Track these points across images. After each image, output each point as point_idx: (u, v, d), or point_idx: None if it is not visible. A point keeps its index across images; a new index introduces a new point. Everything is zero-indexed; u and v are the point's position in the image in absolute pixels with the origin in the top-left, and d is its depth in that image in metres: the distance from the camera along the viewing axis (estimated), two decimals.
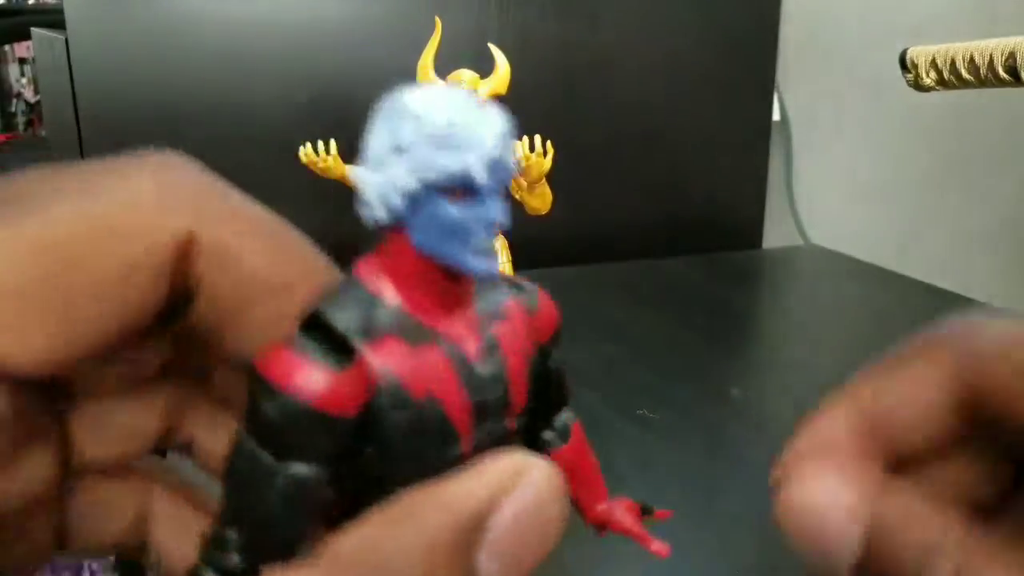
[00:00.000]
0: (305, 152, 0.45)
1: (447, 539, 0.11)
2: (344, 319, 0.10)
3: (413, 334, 0.10)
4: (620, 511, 0.15)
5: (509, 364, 0.11)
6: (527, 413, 0.12)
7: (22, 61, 1.88)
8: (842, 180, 0.97)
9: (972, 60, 0.53)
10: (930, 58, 0.55)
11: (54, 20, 0.74)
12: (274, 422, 0.10)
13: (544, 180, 0.45)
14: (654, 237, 0.75)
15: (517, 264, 0.48)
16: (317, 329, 0.10)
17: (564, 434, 0.14)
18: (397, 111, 0.10)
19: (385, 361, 0.10)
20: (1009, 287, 0.79)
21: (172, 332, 0.14)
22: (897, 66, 0.56)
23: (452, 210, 0.10)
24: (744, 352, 0.66)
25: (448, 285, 0.11)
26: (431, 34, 0.47)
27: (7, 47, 1.85)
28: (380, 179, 0.10)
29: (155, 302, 0.12)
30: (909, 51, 0.55)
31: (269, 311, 0.13)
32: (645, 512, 0.15)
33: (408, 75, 0.47)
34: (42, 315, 0.12)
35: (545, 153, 0.43)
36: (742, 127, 0.91)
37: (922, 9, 0.84)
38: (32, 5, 1.12)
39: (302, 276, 0.13)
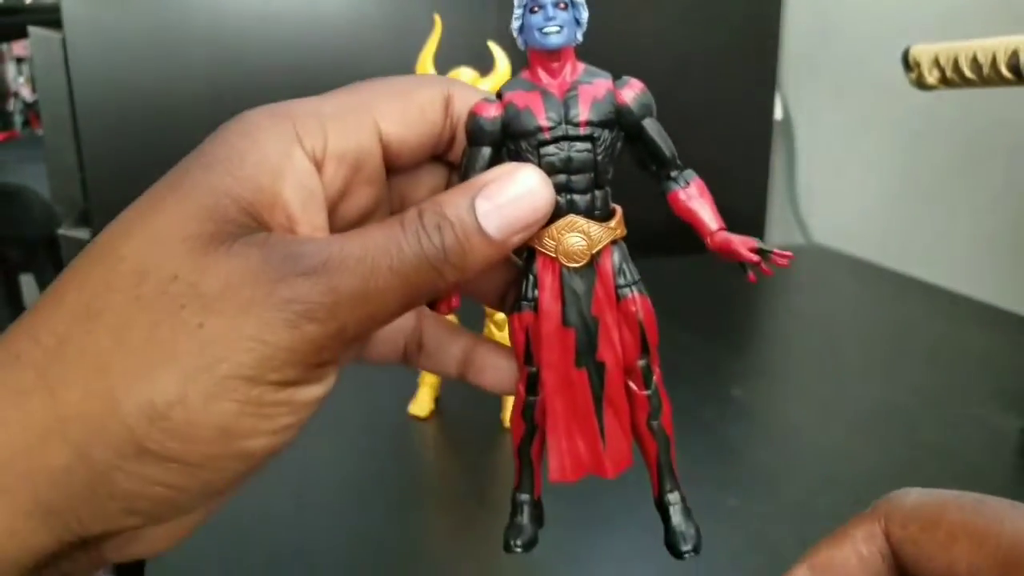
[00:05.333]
0: None
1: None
2: (505, 87, 0.22)
3: (527, 87, 0.21)
4: (739, 242, 0.22)
5: (580, 101, 0.21)
6: (598, 132, 0.21)
7: (19, 60, 1.88)
8: (844, 179, 0.96)
9: (975, 59, 0.53)
10: (933, 57, 0.55)
11: (51, 19, 0.74)
12: (471, 128, 0.22)
13: None
14: (655, 236, 0.75)
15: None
16: (496, 94, 0.22)
17: (684, 184, 0.22)
18: None
19: (510, 97, 0.21)
20: (1012, 287, 0.78)
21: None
22: (900, 65, 0.55)
23: (531, 19, 0.21)
24: (745, 352, 0.66)
25: (546, 62, 0.21)
26: (430, 31, 0.47)
27: (4, 46, 1.85)
28: (512, 24, 0.21)
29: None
30: (912, 49, 0.55)
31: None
32: (761, 252, 0.21)
33: (407, 72, 0.47)
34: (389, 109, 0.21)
35: None
36: (744, 126, 0.91)
37: (925, 8, 0.84)
38: (30, 4, 1.11)
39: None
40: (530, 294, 0.22)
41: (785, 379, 0.60)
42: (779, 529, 0.40)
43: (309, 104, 0.21)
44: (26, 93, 1.85)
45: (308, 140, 0.20)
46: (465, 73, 0.45)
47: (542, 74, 0.21)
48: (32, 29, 0.74)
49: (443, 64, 0.46)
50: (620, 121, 0.22)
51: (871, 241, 0.91)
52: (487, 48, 0.47)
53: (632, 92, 0.22)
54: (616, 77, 0.22)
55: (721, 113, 0.88)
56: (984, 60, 0.51)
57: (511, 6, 0.21)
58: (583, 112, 0.21)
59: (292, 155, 0.20)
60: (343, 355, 0.20)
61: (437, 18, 0.46)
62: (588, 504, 0.41)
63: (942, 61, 0.54)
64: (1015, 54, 0.49)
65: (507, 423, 0.50)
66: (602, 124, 0.21)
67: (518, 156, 0.21)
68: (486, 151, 0.21)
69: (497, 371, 0.24)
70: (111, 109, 0.73)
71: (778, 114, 0.94)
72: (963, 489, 0.20)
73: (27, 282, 1.44)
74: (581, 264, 0.21)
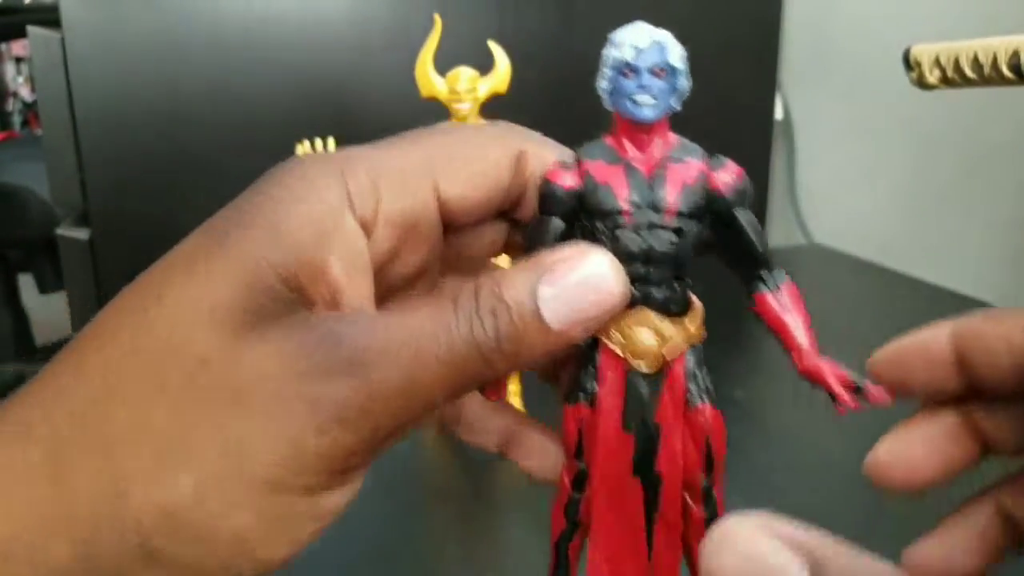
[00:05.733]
0: (303, 149, 0.45)
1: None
2: (580, 151, 0.20)
3: (609, 157, 0.19)
4: (830, 371, 0.19)
5: (667, 183, 0.19)
6: (686, 223, 0.19)
7: (18, 60, 1.88)
8: (845, 179, 0.96)
9: (976, 59, 0.52)
10: (934, 56, 0.55)
11: (51, 18, 0.74)
12: (543, 195, 0.20)
13: None
14: None
15: None
16: (574, 159, 0.20)
17: (774, 287, 0.20)
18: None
19: (590, 167, 0.19)
20: (1013, 287, 0.78)
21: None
22: (900, 65, 0.55)
23: (623, 83, 0.19)
24: (747, 353, 0.66)
25: (634, 132, 0.19)
26: (430, 32, 0.47)
27: (3, 46, 1.84)
28: (599, 81, 0.20)
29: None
30: (912, 49, 0.55)
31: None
32: (856, 390, 0.19)
33: (407, 72, 0.47)
34: (462, 164, 0.20)
35: None
36: (744, 126, 0.91)
37: (926, 7, 0.84)
38: (29, 4, 1.11)
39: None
40: (588, 386, 0.20)
41: (788, 381, 0.60)
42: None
43: (364, 159, 0.19)
44: (25, 93, 1.85)
45: (359, 202, 0.18)
46: (465, 73, 0.45)
47: (628, 145, 0.19)
48: (31, 29, 0.74)
49: (443, 64, 0.46)
50: (711, 208, 0.19)
51: (872, 241, 0.91)
52: (487, 48, 0.47)
53: (728, 177, 0.19)
54: (710, 154, 0.20)
55: (721, 113, 0.88)
56: (985, 60, 0.51)
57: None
58: (671, 199, 0.19)
59: (341, 219, 0.18)
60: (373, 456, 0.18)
61: (437, 18, 0.46)
62: None
63: (943, 61, 0.54)
64: (1016, 54, 0.49)
65: None
66: (691, 214, 0.19)
67: (591, 235, 0.19)
68: (557, 223, 0.20)
69: (543, 456, 0.22)
70: (110, 109, 0.73)
71: (778, 114, 0.94)
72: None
73: (26, 282, 1.44)
74: (650, 366, 0.19)
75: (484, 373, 0.18)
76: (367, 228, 0.19)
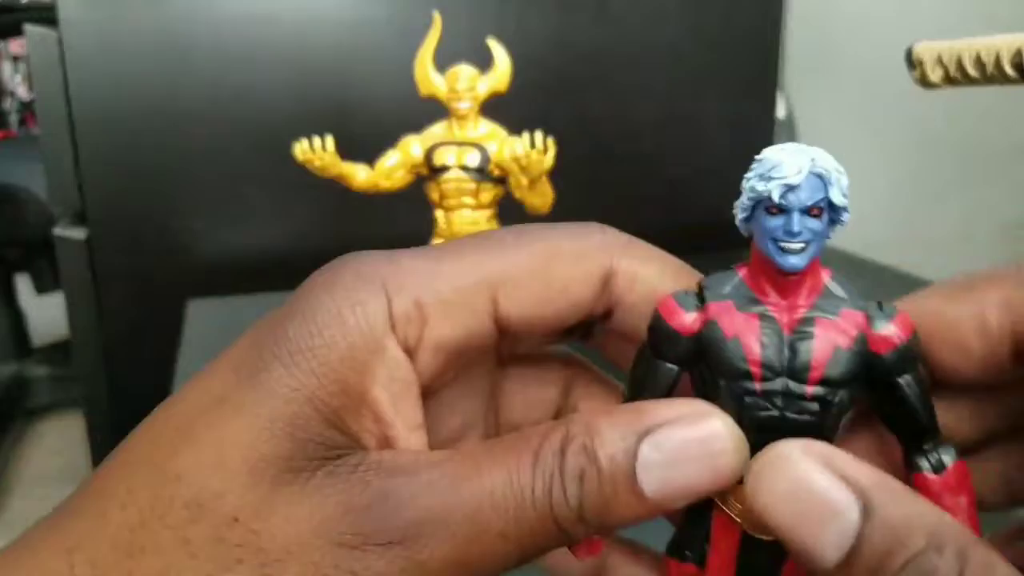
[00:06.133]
0: (301, 148, 0.45)
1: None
2: (706, 286, 0.16)
3: (741, 299, 0.16)
4: None
5: (814, 344, 0.15)
6: (832, 394, 0.15)
7: (16, 59, 1.87)
8: (847, 177, 0.96)
9: (978, 57, 0.52)
10: (936, 55, 0.54)
11: (48, 17, 0.73)
12: (655, 335, 0.16)
13: (545, 178, 0.44)
14: (656, 236, 0.74)
15: None
16: (696, 290, 0.16)
17: (938, 467, 0.16)
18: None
19: (716, 312, 0.16)
20: None
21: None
22: (902, 63, 0.55)
23: (767, 221, 0.15)
24: None
25: (776, 275, 0.16)
26: (430, 30, 0.46)
27: (1, 44, 1.84)
28: (738, 203, 0.16)
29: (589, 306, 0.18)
30: (915, 48, 0.54)
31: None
32: None
33: (407, 71, 0.46)
34: (538, 292, 0.17)
35: (546, 151, 0.42)
36: (746, 124, 0.90)
37: (928, 6, 0.83)
38: (26, 2, 1.11)
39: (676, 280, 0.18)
40: (697, 545, 0.17)
41: None
42: None
43: (412, 274, 0.17)
44: (22, 92, 1.84)
45: (402, 326, 0.17)
46: (465, 71, 0.45)
47: (768, 289, 0.16)
48: (28, 27, 0.74)
49: (443, 62, 0.46)
50: (869, 372, 0.16)
51: (871, 241, 0.91)
52: (487, 46, 0.46)
53: (894, 336, 0.16)
54: (867, 298, 0.16)
55: (722, 112, 0.88)
56: (988, 59, 0.51)
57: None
58: (817, 364, 0.15)
59: (383, 348, 0.16)
60: None
61: (436, 16, 0.46)
62: None
63: (945, 59, 0.54)
64: (1019, 53, 0.48)
65: None
66: (840, 382, 0.15)
67: (710, 390, 0.16)
68: (669, 370, 0.16)
69: None
70: (108, 108, 0.72)
71: (780, 112, 0.94)
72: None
73: (23, 282, 1.44)
74: (771, 536, 0.16)
75: (557, 543, 0.16)
76: (410, 353, 0.17)
